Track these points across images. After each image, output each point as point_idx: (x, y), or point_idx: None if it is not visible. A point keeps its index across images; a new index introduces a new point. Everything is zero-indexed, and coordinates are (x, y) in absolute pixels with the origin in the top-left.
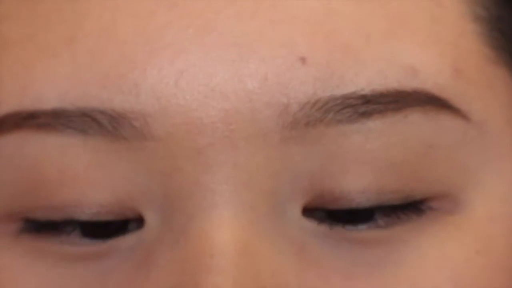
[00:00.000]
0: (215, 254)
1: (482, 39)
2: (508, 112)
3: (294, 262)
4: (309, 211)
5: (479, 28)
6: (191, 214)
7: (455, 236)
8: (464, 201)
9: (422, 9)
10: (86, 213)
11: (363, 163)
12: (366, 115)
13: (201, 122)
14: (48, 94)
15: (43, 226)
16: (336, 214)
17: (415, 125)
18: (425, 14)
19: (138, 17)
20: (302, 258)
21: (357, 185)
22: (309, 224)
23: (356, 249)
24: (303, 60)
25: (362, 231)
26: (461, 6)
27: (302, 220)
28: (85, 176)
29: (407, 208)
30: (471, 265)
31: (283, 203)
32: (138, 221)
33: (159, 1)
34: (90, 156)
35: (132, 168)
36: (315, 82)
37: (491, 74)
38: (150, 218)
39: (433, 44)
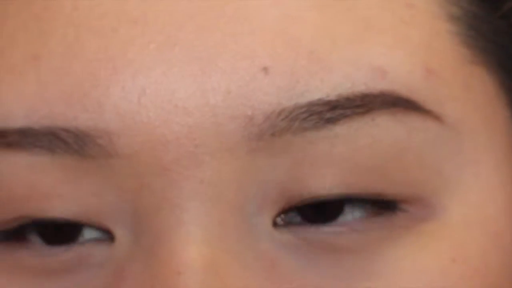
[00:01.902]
0: (182, 271)
1: (458, 38)
2: (485, 113)
3: (263, 279)
4: (279, 223)
5: (454, 28)
6: (159, 231)
7: (430, 245)
8: (438, 206)
9: (390, 12)
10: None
11: (330, 166)
12: (333, 121)
13: (165, 139)
14: (16, 113)
15: (11, 235)
16: (306, 216)
17: (383, 127)
18: (394, 16)
19: (101, 34)
20: (272, 274)
21: (325, 185)
22: (280, 236)
23: (329, 260)
24: (265, 70)
25: (336, 236)
26: (433, 6)
27: (273, 233)
28: (53, 191)
29: (378, 212)
30: (447, 275)
31: (252, 216)
32: (108, 236)
33: (122, 18)
34: (58, 173)
35: (100, 185)
36: (279, 92)
37: (468, 74)
38: (120, 234)
39: (403, 45)
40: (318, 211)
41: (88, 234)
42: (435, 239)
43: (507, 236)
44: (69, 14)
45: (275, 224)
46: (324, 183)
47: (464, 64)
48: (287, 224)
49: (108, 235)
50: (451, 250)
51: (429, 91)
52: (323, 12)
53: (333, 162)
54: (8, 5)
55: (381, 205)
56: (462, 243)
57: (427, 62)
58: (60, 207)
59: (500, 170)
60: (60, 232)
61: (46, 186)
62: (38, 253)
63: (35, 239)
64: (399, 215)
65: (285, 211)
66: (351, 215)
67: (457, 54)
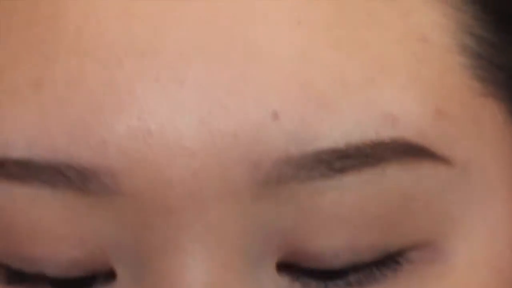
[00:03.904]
0: None
1: (469, 72)
2: (495, 145)
3: None
4: (284, 267)
5: (466, 61)
6: (162, 273)
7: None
8: (444, 249)
9: (404, 48)
10: (56, 269)
11: (337, 220)
12: (342, 170)
13: (170, 180)
14: (16, 142)
15: (13, 276)
16: (310, 271)
17: (392, 177)
18: (407, 53)
19: (106, 65)
20: None
21: (331, 244)
22: (284, 282)
23: None
24: (275, 115)
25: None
26: (447, 38)
27: (277, 278)
28: (55, 230)
29: (383, 264)
30: None
31: (256, 260)
32: (109, 275)
33: (129, 49)
34: (60, 208)
35: (102, 221)
36: (287, 138)
37: (478, 108)
38: (121, 272)
39: (415, 86)
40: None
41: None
42: (440, 282)
43: (510, 271)
44: (73, 40)
45: (279, 270)
46: (331, 242)
47: (474, 98)
48: (293, 272)
49: (110, 275)
50: None
51: (439, 134)
52: (337, 50)
53: (340, 215)
54: (12, 19)
55: (386, 258)
56: (466, 285)
57: (438, 102)
58: (62, 250)
59: (509, 200)
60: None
61: (47, 223)
62: None
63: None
64: (404, 266)
65: (289, 264)
66: (356, 281)
67: (468, 88)
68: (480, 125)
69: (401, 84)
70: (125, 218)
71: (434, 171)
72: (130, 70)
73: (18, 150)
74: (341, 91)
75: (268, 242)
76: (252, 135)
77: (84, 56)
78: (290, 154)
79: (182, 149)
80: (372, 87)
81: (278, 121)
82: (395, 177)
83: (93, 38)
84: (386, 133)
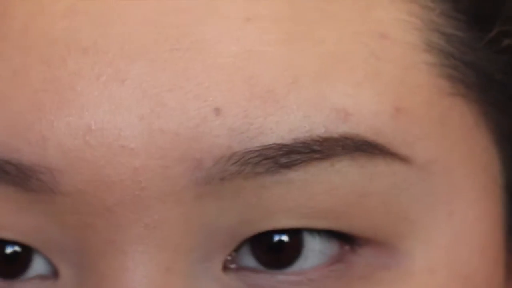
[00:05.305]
0: None
1: (436, 70)
2: (463, 147)
3: None
4: (230, 267)
5: (432, 58)
6: (103, 274)
7: None
8: (401, 252)
9: (362, 44)
10: None
11: (285, 210)
12: (287, 165)
13: (109, 180)
14: None
15: None
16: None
17: (343, 173)
18: (365, 50)
19: (49, 62)
20: None
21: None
22: (230, 282)
23: None
24: (217, 111)
25: (291, 285)
26: (411, 35)
27: (223, 278)
28: None
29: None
30: None
31: (200, 262)
32: (54, 272)
33: (72, 46)
34: (1, 203)
35: (43, 219)
36: (230, 135)
37: (445, 107)
38: (64, 272)
39: (371, 82)
40: (274, 257)
41: (36, 268)
42: None
43: (479, 277)
44: (18, 37)
45: (225, 268)
46: (280, 224)
47: (441, 97)
48: (239, 269)
49: (53, 271)
50: None
51: (397, 132)
52: (288, 46)
53: (288, 207)
54: None
55: (341, 248)
56: None
57: (397, 100)
58: (4, 237)
59: (478, 204)
60: (9, 264)
61: None
62: None
63: None
64: (359, 262)
65: (238, 249)
66: (308, 260)
67: (433, 87)
68: (447, 125)
69: (357, 81)
70: (66, 217)
71: (390, 169)
72: (72, 67)
73: None
74: (289, 86)
75: (213, 241)
76: (194, 132)
77: (28, 53)
78: (233, 150)
79: (121, 148)
80: (324, 82)
81: (221, 117)
82: (346, 173)
83: (38, 35)
84: (336, 128)
